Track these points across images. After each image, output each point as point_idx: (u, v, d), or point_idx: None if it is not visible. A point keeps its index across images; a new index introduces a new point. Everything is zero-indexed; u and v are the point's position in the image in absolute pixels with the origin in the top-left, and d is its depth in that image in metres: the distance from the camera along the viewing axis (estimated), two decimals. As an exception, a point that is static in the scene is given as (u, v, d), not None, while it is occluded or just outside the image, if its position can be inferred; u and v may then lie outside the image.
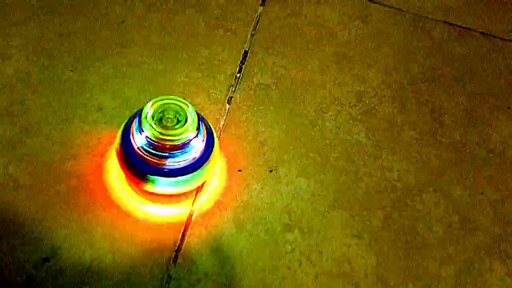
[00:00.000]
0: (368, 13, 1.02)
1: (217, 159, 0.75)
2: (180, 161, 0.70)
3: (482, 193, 0.82)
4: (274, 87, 0.90)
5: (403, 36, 1.00)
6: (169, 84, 0.87)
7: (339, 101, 0.90)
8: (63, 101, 0.83)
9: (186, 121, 0.69)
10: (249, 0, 1.02)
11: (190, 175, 0.71)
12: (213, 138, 0.73)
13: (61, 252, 0.69)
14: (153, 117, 0.68)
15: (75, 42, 0.90)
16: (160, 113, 0.69)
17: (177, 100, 0.70)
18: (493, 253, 0.77)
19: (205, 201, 0.76)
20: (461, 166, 0.85)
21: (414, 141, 0.86)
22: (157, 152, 0.69)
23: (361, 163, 0.83)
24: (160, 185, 0.71)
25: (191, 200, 0.76)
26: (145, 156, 0.69)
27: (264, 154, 0.82)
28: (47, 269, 0.68)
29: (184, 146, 0.69)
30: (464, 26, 1.03)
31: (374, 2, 1.04)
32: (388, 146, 0.85)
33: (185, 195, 0.75)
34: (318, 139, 0.85)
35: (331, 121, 0.87)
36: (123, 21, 0.94)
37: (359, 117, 0.88)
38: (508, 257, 0.77)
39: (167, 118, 0.69)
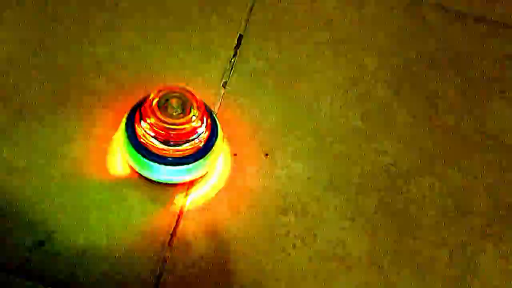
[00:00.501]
0: (363, -3, 1.02)
1: (220, 149, 0.75)
2: (184, 150, 0.69)
3: (476, 177, 0.83)
4: (269, 72, 0.89)
5: (398, 21, 0.99)
6: (164, 68, 0.87)
7: (335, 85, 0.90)
8: (57, 85, 0.82)
9: (191, 110, 0.69)
10: (244, -16, 1.01)
11: (193, 164, 0.71)
12: (217, 128, 0.73)
13: (56, 236, 0.69)
14: (158, 105, 0.68)
15: (69, 26, 0.89)
16: (165, 101, 0.69)
17: (182, 89, 0.70)
18: (486, 235, 0.77)
19: (200, 184, 0.76)
20: (455, 150, 0.85)
21: (409, 125, 0.86)
22: (161, 141, 0.68)
23: (356, 147, 0.83)
24: (164, 174, 0.71)
25: (187, 184, 0.76)
26: (148, 144, 0.69)
27: (259, 138, 0.82)
28: (43, 252, 0.68)
29: (188, 135, 0.69)
30: (459, 10, 1.03)
31: (370, -14, 1.04)
32: (383, 130, 0.85)
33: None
34: (314, 123, 0.85)
35: (326, 105, 0.87)
36: (116, 5, 0.93)
37: (354, 101, 0.88)
38: (500, 239, 0.77)
39: (172, 106, 0.69)
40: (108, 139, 0.77)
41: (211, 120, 0.72)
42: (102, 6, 0.92)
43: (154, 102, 0.68)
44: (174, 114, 0.68)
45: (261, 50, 0.92)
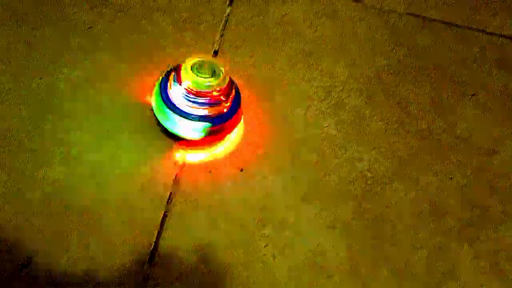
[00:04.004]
0: (333, 10, 1.04)
1: (240, 119, 0.84)
2: (214, 110, 0.79)
3: (451, 179, 0.84)
4: (244, 86, 0.91)
5: (368, 30, 1.02)
6: (141, 86, 0.88)
7: (308, 96, 0.91)
8: (34, 109, 0.83)
9: (220, 74, 0.79)
10: (217, 1, 1.03)
11: (221, 125, 0.80)
12: (239, 100, 0.83)
13: (37, 259, 0.70)
14: (191, 69, 0.79)
15: (44, 50, 0.90)
16: (197, 68, 0.79)
17: (212, 59, 0.82)
18: (462, 236, 0.79)
19: (178, 201, 0.77)
20: (429, 153, 0.87)
21: (383, 131, 0.88)
22: (194, 99, 0.78)
23: (332, 155, 0.85)
24: (193, 130, 0.79)
25: (165, 200, 0.76)
26: (182, 103, 0.78)
27: (236, 152, 0.83)
28: (24, 276, 0.68)
29: (217, 97, 0.79)
30: (427, 17, 1.05)
31: (339, -2, 1.07)
32: (357, 137, 0.87)
33: (158, 196, 0.76)
34: (289, 134, 0.86)
35: (301, 116, 0.89)
36: (90, 27, 0.94)
37: (328, 110, 0.90)
38: (476, 239, 0.79)
39: (204, 71, 0.79)
40: (86, 163, 0.78)
41: (235, 90, 0.82)
42: (76, 29, 0.93)
43: (188, 66, 0.79)
44: (206, 76, 0.79)
45: (236, 65, 0.93)
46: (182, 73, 0.79)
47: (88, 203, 0.75)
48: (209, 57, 0.82)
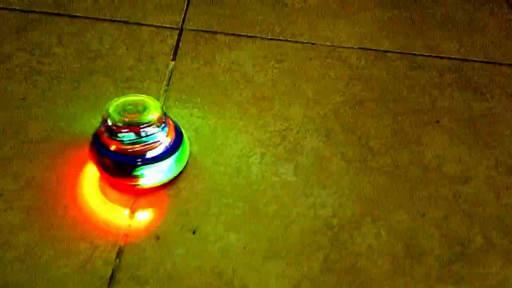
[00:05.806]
0: (282, 52, 1.00)
1: (188, 150, 0.80)
2: (155, 143, 0.74)
3: (424, 215, 0.77)
4: (193, 140, 0.85)
5: (319, 69, 0.97)
6: (79, 156, 0.81)
7: (263, 142, 0.85)
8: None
9: (150, 107, 0.75)
10: (159, 57, 0.98)
11: (169, 159, 0.75)
12: (180, 129, 0.79)
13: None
14: (119, 113, 0.74)
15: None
16: (124, 110, 0.74)
17: (136, 96, 0.78)
18: (445, 277, 0.71)
19: (123, 278, 0.68)
20: (397, 189, 0.80)
21: (345, 172, 0.81)
22: (134, 138, 0.73)
23: (293, 204, 0.77)
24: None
25: (107, 279, 0.68)
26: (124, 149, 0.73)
27: (186, 213, 0.75)
28: None
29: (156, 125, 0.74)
30: (380, 49, 1.02)
31: (286, 41, 1.03)
32: (319, 181, 0.80)
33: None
34: (245, 186, 0.79)
35: (256, 164, 0.82)
36: (23, 98, 0.88)
37: (285, 156, 0.83)
38: (461, 279, 0.71)
39: (133, 110, 0.75)
40: (14, 246, 0.70)
41: (173, 122, 0.79)
42: (8, 101, 0.87)
43: (113, 110, 0.74)
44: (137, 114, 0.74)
45: (183, 119, 0.88)
46: (109, 118, 0.74)
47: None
48: (131, 96, 0.78)
